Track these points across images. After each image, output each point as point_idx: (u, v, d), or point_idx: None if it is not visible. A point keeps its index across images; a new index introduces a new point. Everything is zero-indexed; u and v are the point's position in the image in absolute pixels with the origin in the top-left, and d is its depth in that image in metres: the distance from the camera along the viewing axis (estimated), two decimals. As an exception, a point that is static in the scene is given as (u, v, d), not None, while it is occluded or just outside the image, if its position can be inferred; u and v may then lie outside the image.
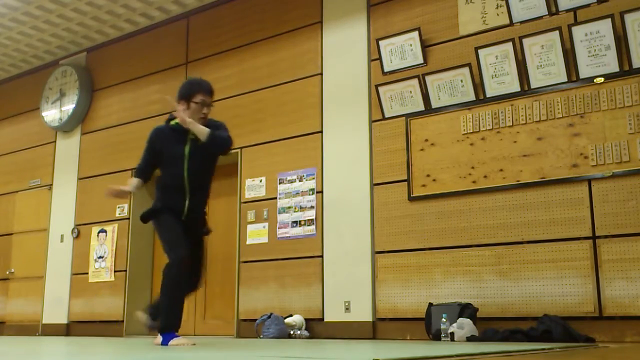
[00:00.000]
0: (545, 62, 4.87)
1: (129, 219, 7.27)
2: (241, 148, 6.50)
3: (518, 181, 4.90)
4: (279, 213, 6.10)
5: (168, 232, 3.90)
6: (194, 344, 3.67)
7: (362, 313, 5.44)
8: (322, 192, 5.88)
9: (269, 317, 5.58)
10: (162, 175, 4.05)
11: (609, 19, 4.61)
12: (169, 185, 3.97)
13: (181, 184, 3.94)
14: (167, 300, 3.76)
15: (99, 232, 7.48)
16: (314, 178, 5.95)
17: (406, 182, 5.40)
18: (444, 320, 4.61)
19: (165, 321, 3.73)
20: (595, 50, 4.68)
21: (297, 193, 6.02)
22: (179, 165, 3.93)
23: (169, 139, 3.99)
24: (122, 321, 7.03)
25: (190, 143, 3.97)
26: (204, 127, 3.92)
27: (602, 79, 4.66)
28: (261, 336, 5.57)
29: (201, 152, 3.97)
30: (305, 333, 5.56)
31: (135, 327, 7.08)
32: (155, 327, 3.97)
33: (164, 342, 3.67)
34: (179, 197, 3.95)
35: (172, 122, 4.06)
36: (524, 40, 4.95)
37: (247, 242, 6.25)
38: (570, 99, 4.77)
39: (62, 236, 7.86)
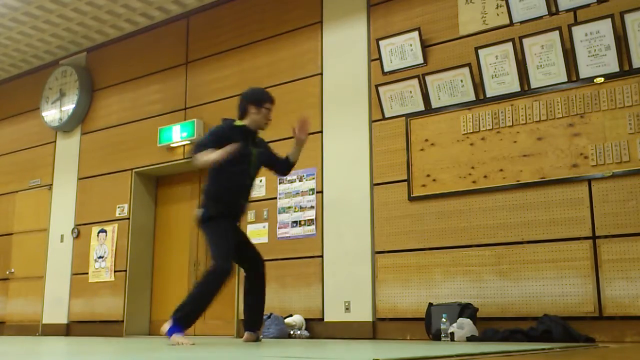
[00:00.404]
0: (545, 62, 4.87)
1: (129, 219, 7.27)
2: (241, 148, 6.50)
3: (518, 181, 4.90)
4: (279, 213, 6.10)
5: (224, 240, 3.97)
6: (193, 344, 3.67)
7: (362, 313, 5.44)
8: (322, 192, 5.88)
9: (269, 317, 5.58)
10: (224, 175, 4.05)
11: (609, 19, 4.60)
12: (232, 185, 4.05)
13: (244, 182, 4.09)
14: (194, 302, 3.86)
15: (99, 232, 7.48)
16: (314, 178, 5.95)
17: (406, 182, 5.40)
18: (444, 320, 4.60)
19: (183, 317, 3.80)
20: (595, 50, 4.67)
21: (297, 193, 6.02)
22: (246, 163, 4.07)
23: (239, 138, 4.05)
24: (122, 321, 7.03)
25: (255, 146, 4.16)
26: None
27: (602, 79, 4.66)
28: (261, 336, 5.56)
29: (260, 157, 4.19)
30: (305, 333, 5.55)
31: (135, 327, 7.08)
32: (258, 337, 4.23)
33: (169, 333, 3.74)
34: (239, 198, 4.10)
35: (238, 123, 4.14)
36: (524, 40, 4.95)
37: (247, 242, 6.24)
38: (570, 99, 4.77)
39: (62, 236, 7.86)
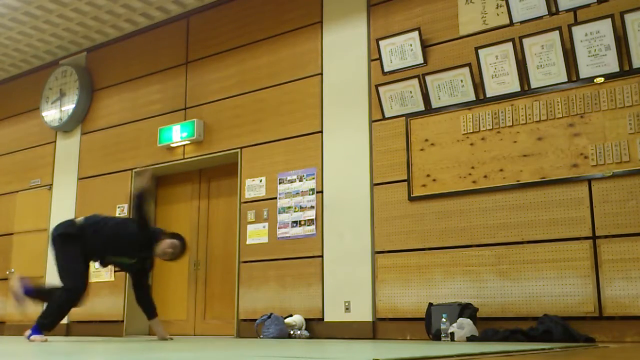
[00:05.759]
0: (545, 62, 4.87)
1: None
2: (241, 148, 6.51)
3: (518, 181, 4.90)
4: (279, 213, 6.10)
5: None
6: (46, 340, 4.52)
7: (362, 313, 5.44)
8: (322, 192, 5.88)
9: (269, 317, 5.58)
10: None
11: (609, 19, 4.60)
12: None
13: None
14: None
15: (99, 232, 7.46)
16: (314, 178, 5.95)
17: (406, 182, 5.40)
18: (444, 320, 4.60)
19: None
20: (595, 50, 4.68)
21: (297, 193, 6.01)
22: None
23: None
24: (122, 321, 7.03)
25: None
26: None
27: (602, 79, 4.66)
28: (261, 336, 5.57)
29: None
30: (305, 333, 5.55)
31: (135, 327, 7.08)
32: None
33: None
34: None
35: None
36: (524, 40, 4.95)
37: (247, 242, 6.25)
38: (570, 99, 4.77)
39: (62, 236, 7.84)
